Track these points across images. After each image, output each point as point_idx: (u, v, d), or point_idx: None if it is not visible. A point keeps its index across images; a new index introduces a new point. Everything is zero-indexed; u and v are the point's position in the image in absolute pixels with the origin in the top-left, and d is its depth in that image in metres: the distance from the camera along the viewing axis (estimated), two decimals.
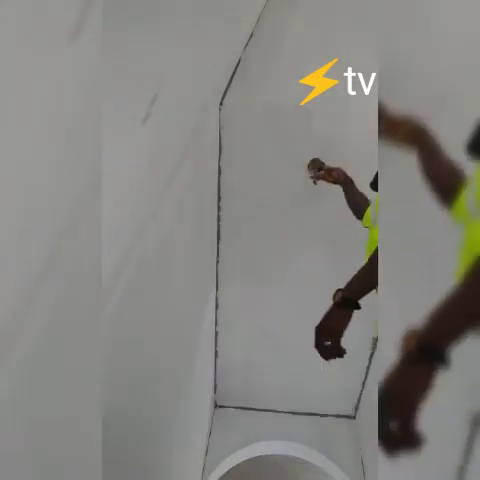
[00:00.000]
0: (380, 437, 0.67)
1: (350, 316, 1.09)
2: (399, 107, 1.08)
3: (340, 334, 1.09)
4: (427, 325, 0.68)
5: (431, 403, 0.69)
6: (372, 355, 2.89)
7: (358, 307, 1.09)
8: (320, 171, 2.03)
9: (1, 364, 0.49)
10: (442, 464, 0.73)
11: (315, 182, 2.07)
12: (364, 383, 3.10)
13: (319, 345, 1.11)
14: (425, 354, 0.66)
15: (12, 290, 0.48)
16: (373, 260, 1.07)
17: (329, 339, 1.09)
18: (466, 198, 0.84)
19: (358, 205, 1.72)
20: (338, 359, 1.12)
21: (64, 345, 0.63)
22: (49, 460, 0.63)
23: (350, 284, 1.12)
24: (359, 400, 3.23)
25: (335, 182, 1.92)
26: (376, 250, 1.07)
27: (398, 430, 0.66)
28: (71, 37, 0.45)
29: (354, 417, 3.33)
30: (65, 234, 0.58)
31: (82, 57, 0.49)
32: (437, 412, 0.76)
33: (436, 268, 0.95)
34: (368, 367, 3.00)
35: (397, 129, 1.06)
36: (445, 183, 0.95)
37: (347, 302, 1.09)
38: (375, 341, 2.78)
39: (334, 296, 1.11)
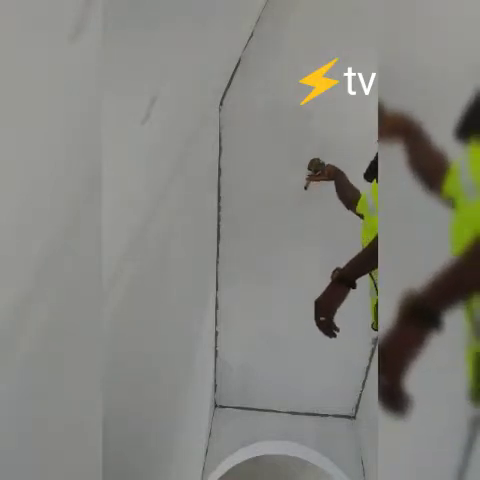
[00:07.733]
0: (379, 397, 0.69)
1: (345, 294, 1.12)
2: (399, 107, 1.08)
3: (333, 311, 1.12)
4: (423, 290, 0.71)
5: (431, 403, 0.69)
6: (372, 355, 2.89)
7: (354, 286, 1.13)
8: (317, 172, 2.07)
9: (1, 364, 0.49)
10: (442, 464, 0.73)
11: (306, 187, 2.15)
12: (364, 383, 3.10)
13: (316, 320, 1.14)
14: (419, 315, 0.70)
15: (12, 290, 0.48)
16: (374, 244, 1.10)
17: (323, 315, 1.13)
18: (457, 179, 0.85)
19: (349, 196, 1.75)
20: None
21: (64, 345, 0.63)
22: (49, 460, 0.63)
23: (348, 264, 1.16)
24: (359, 400, 3.23)
25: (329, 178, 1.96)
26: (377, 236, 1.09)
27: (388, 388, 0.68)
28: (71, 37, 0.45)
29: (354, 417, 3.33)
30: (65, 234, 0.58)
31: (82, 57, 0.49)
32: (437, 412, 0.76)
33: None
34: (368, 367, 3.00)
35: (384, 122, 1.07)
36: (432, 170, 0.96)
37: (343, 280, 1.12)
38: (375, 341, 2.78)
39: (332, 274, 1.16)
